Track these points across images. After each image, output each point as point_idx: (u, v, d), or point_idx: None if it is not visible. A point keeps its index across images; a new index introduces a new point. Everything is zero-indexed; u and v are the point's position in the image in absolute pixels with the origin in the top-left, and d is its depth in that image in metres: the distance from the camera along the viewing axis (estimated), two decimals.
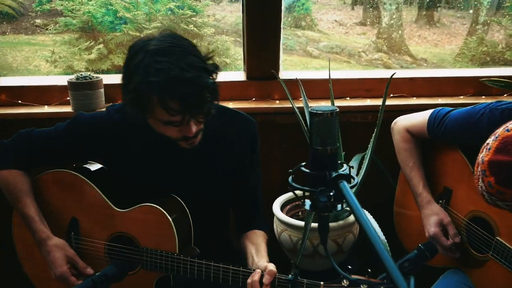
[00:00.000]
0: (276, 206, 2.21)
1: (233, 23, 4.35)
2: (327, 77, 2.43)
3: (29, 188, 1.63)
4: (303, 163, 1.12)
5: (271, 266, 1.42)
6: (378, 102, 2.36)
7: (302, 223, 2.05)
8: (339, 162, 1.07)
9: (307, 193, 1.06)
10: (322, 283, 1.36)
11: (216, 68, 1.41)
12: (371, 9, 7.37)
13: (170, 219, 1.52)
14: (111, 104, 1.66)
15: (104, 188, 1.64)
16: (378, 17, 7.35)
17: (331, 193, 1.00)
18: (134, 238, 1.59)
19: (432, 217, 1.82)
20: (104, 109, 2.22)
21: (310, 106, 2.31)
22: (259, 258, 1.56)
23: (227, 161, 1.64)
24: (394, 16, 7.20)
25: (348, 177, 0.99)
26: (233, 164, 1.65)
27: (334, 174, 0.99)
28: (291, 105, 2.36)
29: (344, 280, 1.32)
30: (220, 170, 1.64)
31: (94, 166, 1.75)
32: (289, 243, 2.10)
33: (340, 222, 2.06)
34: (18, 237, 1.74)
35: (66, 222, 1.66)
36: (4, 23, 4.24)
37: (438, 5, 7.76)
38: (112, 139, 1.58)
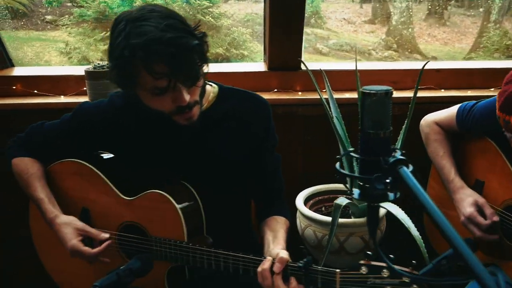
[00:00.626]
0: (300, 200, 2.12)
1: (242, 20, 4.27)
2: (351, 68, 2.36)
3: (40, 173, 1.59)
4: (351, 149, 1.03)
5: (283, 254, 1.31)
6: (405, 94, 2.27)
7: (328, 219, 1.96)
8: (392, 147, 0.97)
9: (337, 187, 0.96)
10: (338, 270, 1.26)
11: (203, 34, 1.34)
12: (380, 7, 7.28)
13: (176, 206, 1.43)
14: (115, 91, 1.57)
15: (112, 176, 1.57)
16: (387, 15, 7.26)
17: (388, 180, 0.90)
18: (142, 227, 1.51)
19: (466, 199, 1.75)
20: None
21: (336, 97, 2.23)
22: (274, 245, 1.45)
23: (241, 145, 1.54)
24: (404, 14, 7.11)
25: (407, 163, 0.90)
26: (247, 148, 1.55)
27: (391, 160, 0.90)
28: (314, 97, 2.28)
29: (384, 270, 1.23)
30: (233, 155, 1.54)
31: (107, 154, 1.68)
32: (314, 239, 2.01)
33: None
34: (35, 229, 1.69)
35: (78, 213, 1.59)
36: (15, 19, 4.19)
37: (448, 3, 7.66)
38: (116, 125, 1.52)
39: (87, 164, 1.57)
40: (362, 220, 1.96)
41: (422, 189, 0.85)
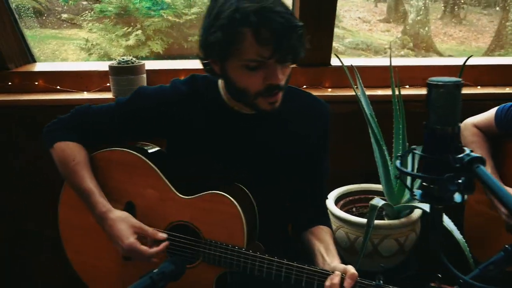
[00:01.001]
0: (330, 200, 2.03)
1: None
2: (383, 64, 2.27)
3: (87, 161, 1.46)
4: (414, 146, 0.94)
5: (352, 269, 1.24)
6: None
7: (362, 220, 1.87)
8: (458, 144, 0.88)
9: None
10: None
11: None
12: (395, 5, 7.16)
13: (240, 210, 1.35)
14: (176, 78, 1.48)
15: (165, 170, 1.46)
16: (402, 13, 7.15)
17: (460, 181, 0.82)
18: (197, 228, 1.41)
19: None
20: None
21: (369, 94, 2.14)
22: (331, 258, 1.38)
23: (300, 147, 1.46)
24: (421, 13, 6.99)
25: (484, 161, 0.81)
26: (306, 151, 1.47)
27: (466, 158, 0.81)
28: (343, 93, 2.19)
29: None
30: (291, 154, 1.46)
31: (152, 149, 1.59)
32: (346, 241, 1.92)
33: (403, 220, 1.88)
34: (63, 217, 1.56)
35: (121, 207, 1.48)
36: (32, 18, 4.15)
37: (464, 1, 7.52)
38: (177, 113, 1.42)
39: (140, 155, 1.45)
40: (397, 222, 1.87)
41: (507, 191, 0.76)
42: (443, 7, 7.32)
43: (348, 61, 2.18)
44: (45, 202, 2.27)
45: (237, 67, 1.26)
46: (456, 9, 7.33)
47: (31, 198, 2.30)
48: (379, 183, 2.11)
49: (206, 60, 1.33)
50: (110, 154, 1.49)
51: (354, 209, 2.11)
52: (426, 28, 6.94)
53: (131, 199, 1.49)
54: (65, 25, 4.27)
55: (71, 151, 1.45)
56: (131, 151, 1.47)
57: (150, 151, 1.53)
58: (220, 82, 1.41)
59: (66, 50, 4.17)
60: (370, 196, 2.13)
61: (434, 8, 7.30)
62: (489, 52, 6.42)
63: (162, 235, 1.39)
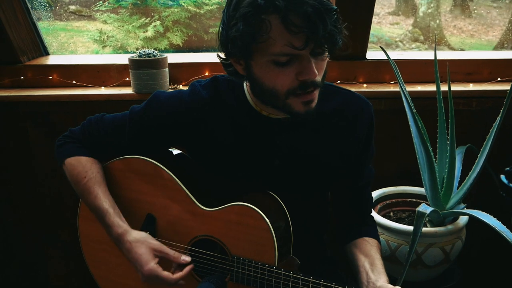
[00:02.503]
0: None
1: None
2: (421, 57, 2.07)
3: (101, 177, 1.29)
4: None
5: None
6: (482, 87, 1.98)
7: (405, 227, 1.69)
8: None
9: None
10: None
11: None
12: None
13: (270, 224, 1.17)
14: (197, 80, 1.29)
15: (186, 180, 1.28)
16: (411, 6, 6.93)
17: None
18: (223, 244, 1.24)
19: None
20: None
21: (408, 90, 1.95)
22: (376, 276, 1.21)
23: (341, 150, 1.27)
24: (432, 5, 6.78)
25: None
26: (348, 154, 1.28)
27: None
28: (380, 89, 1.99)
29: None
30: (330, 161, 1.27)
31: (172, 155, 1.41)
32: (386, 249, 1.73)
33: (449, 227, 1.69)
34: (83, 231, 1.41)
35: (141, 219, 1.32)
36: (39, 10, 3.96)
37: None
38: (198, 121, 1.22)
39: (159, 164, 1.28)
40: (443, 229, 1.69)
41: None
42: (452, 0, 7.10)
43: (378, 54, 1.99)
44: (65, 204, 2.09)
45: (263, 64, 1.05)
46: (466, 2, 7.10)
47: (49, 201, 2.12)
48: (415, 184, 1.93)
49: (227, 60, 1.13)
50: (127, 162, 1.31)
51: (391, 214, 1.92)
52: (437, 21, 6.73)
53: (151, 212, 1.31)
54: (72, 17, 4.08)
55: (82, 167, 1.28)
56: (149, 159, 1.29)
57: (170, 158, 1.36)
58: (246, 85, 1.21)
59: (75, 43, 3.98)
60: (408, 199, 1.95)
61: (443, 1, 7.08)
62: (499, 46, 6.22)
63: (186, 258, 1.21)
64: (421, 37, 6.78)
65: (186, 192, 1.26)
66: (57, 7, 4.29)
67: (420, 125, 1.72)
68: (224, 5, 1.10)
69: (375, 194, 1.91)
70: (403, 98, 1.77)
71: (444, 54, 2.09)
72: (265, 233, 1.17)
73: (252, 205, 1.19)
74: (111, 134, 1.29)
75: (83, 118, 1.99)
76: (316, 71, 1.04)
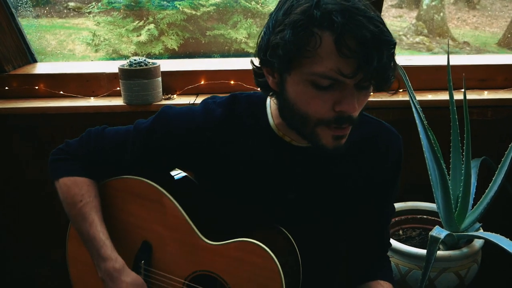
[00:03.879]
0: None
1: None
2: (432, 63, 1.90)
3: (98, 202, 1.14)
4: None
5: None
6: (498, 95, 1.82)
7: (417, 251, 1.54)
8: None
9: None
10: None
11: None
12: None
13: (278, 265, 1.02)
14: (211, 96, 1.13)
15: (190, 207, 1.14)
16: None
17: None
18: (224, 282, 1.09)
19: None
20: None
21: (418, 99, 1.79)
22: None
23: (363, 185, 1.10)
24: None
25: None
26: (371, 190, 1.12)
27: None
28: (388, 99, 1.83)
29: None
30: (352, 196, 1.11)
31: (178, 174, 1.25)
32: (396, 273, 1.58)
33: (464, 250, 1.54)
34: (73, 254, 1.26)
35: (136, 246, 1.17)
36: (37, 6, 3.81)
37: None
38: (210, 142, 1.06)
39: (160, 188, 1.13)
40: (458, 252, 1.54)
41: None
42: None
43: None
44: (57, 223, 1.95)
45: (300, 82, 0.89)
46: None
47: (36, 218, 1.98)
48: (426, 198, 1.78)
49: (261, 69, 0.97)
50: (126, 183, 1.16)
51: (400, 232, 1.77)
52: (441, 14, 6.53)
53: (148, 239, 1.17)
54: (72, 14, 3.94)
55: (78, 189, 1.12)
56: (150, 182, 1.14)
57: (173, 181, 1.20)
58: (270, 104, 1.04)
59: (74, 41, 3.84)
60: (418, 216, 1.80)
61: None
62: (505, 39, 6.02)
63: None
64: (425, 30, 6.58)
65: (188, 222, 1.11)
66: (56, 4, 4.14)
67: (432, 139, 1.56)
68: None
69: None
70: (414, 110, 1.61)
71: (456, 59, 1.92)
72: (273, 274, 1.02)
73: (260, 241, 1.04)
74: (112, 151, 1.13)
75: (71, 132, 1.85)
76: (356, 106, 0.89)
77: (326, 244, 1.17)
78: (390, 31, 0.86)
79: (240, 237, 1.06)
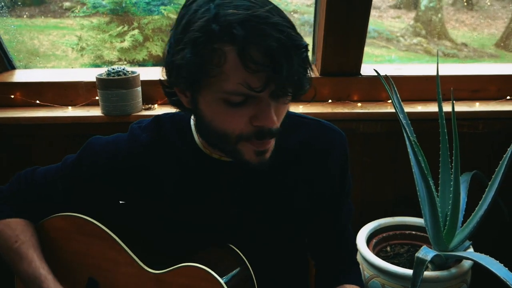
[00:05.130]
0: (362, 240, 1.62)
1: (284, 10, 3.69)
2: (422, 73, 1.82)
3: (36, 240, 1.07)
4: None
5: None
6: (490, 107, 1.74)
7: (404, 271, 1.46)
8: None
9: None
10: None
11: (306, 44, 0.84)
12: None
13: (224, 285, 0.95)
14: (137, 121, 1.07)
15: (130, 237, 1.08)
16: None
17: None
18: None
19: None
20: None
21: (407, 111, 1.71)
22: None
23: (311, 191, 1.04)
24: None
25: None
26: (319, 194, 1.05)
27: None
28: (376, 110, 1.75)
29: None
30: (299, 204, 1.05)
31: (110, 210, 1.19)
32: None
33: (453, 270, 1.47)
34: None
35: (82, 284, 1.11)
36: (32, 6, 3.72)
37: None
38: (138, 168, 1.00)
39: (95, 222, 1.07)
40: (447, 273, 1.46)
41: None
42: None
43: (374, 68, 1.74)
44: None
45: (213, 102, 0.82)
46: None
47: None
48: (415, 212, 1.70)
49: (171, 88, 0.90)
50: (62, 221, 1.10)
51: (388, 248, 1.69)
52: (439, 15, 6.44)
53: (93, 275, 1.10)
54: (67, 14, 3.86)
55: (12, 231, 1.05)
56: (84, 217, 1.08)
57: (111, 212, 1.13)
58: (193, 122, 0.98)
59: (66, 41, 3.76)
60: (406, 232, 1.72)
61: None
62: (503, 40, 5.93)
63: None
64: (423, 32, 6.49)
65: (129, 253, 1.05)
66: (51, 3, 4.05)
67: (420, 155, 1.48)
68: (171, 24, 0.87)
69: (370, 226, 1.68)
70: (401, 124, 1.53)
71: (447, 69, 1.84)
72: None
73: (206, 264, 0.97)
74: (43, 189, 1.07)
75: (48, 143, 1.79)
76: (275, 118, 0.82)
77: (284, 256, 1.11)
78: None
79: (186, 261, 1.00)
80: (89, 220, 1.07)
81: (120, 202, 1.08)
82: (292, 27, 0.80)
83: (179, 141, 0.99)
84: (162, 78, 0.91)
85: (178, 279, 1.00)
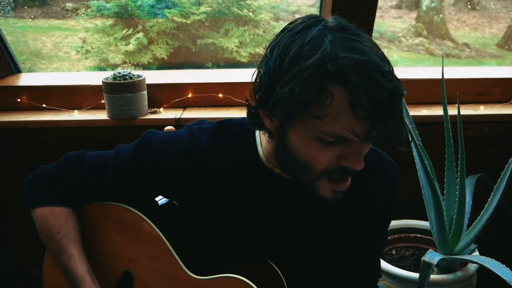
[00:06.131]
0: None
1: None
2: (427, 76, 1.82)
3: (77, 233, 1.07)
4: None
5: None
6: (494, 110, 1.74)
7: (410, 275, 1.46)
8: None
9: None
10: None
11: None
12: None
13: None
14: (196, 121, 1.05)
15: (173, 236, 1.07)
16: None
17: None
18: None
19: None
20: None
21: (412, 115, 1.71)
22: None
23: (354, 219, 1.03)
24: None
25: None
26: (365, 219, 1.04)
27: None
28: None
29: None
30: (342, 230, 1.04)
31: (162, 199, 1.18)
32: None
33: (459, 274, 1.47)
34: (50, 280, 1.18)
35: (117, 275, 1.11)
36: (35, 7, 3.72)
37: None
38: (194, 171, 0.99)
39: (142, 216, 1.06)
40: (452, 276, 1.46)
41: None
42: None
43: None
44: (34, 245, 1.88)
45: (306, 137, 0.81)
46: None
47: (16, 240, 1.91)
48: (420, 215, 1.70)
49: (256, 109, 0.88)
50: (107, 209, 1.09)
51: (394, 251, 1.70)
52: (441, 15, 6.44)
53: (129, 268, 1.10)
54: (69, 15, 3.86)
55: (56, 220, 1.05)
56: (131, 209, 1.07)
57: (156, 208, 1.13)
58: (260, 134, 0.97)
59: (69, 43, 3.76)
60: (412, 235, 1.73)
61: None
62: (505, 40, 5.93)
63: None
64: (425, 32, 6.49)
65: (172, 252, 1.05)
66: (54, 5, 4.05)
67: (425, 159, 1.48)
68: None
69: None
70: (406, 128, 1.53)
71: (451, 72, 1.85)
72: None
73: (246, 275, 0.98)
74: (91, 176, 1.06)
75: (54, 146, 1.80)
76: (363, 161, 0.83)
77: (315, 277, 1.10)
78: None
79: (225, 271, 1.00)
80: (135, 212, 1.06)
81: (169, 201, 1.08)
82: (395, 75, 0.79)
83: (241, 149, 0.97)
84: (251, 100, 0.88)
85: (218, 287, 1.00)
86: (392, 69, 0.79)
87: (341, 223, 1.02)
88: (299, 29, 0.80)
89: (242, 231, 1.02)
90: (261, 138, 0.97)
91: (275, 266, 1.02)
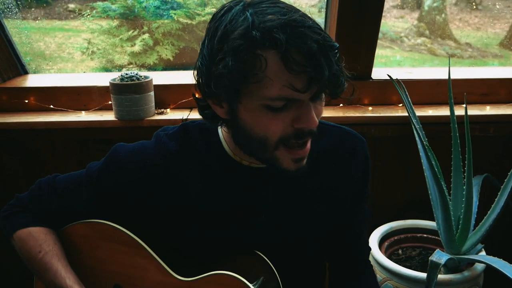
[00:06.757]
0: (374, 243, 1.63)
1: None
2: (432, 77, 1.83)
3: (59, 249, 1.06)
4: None
5: None
6: (500, 110, 1.74)
7: (417, 275, 1.47)
8: None
9: None
10: None
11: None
12: None
13: None
14: (162, 128, 1.06)
15: (157, 244, 1.08)
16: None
17: None
18: None
19: None
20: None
21: (418, 115, 1.72)
22: None
23: (334, 195, 1.06)
24: None
25: None
26: (342, 198, 1.07)
27: None
28: (387, 114, 1.75)
29: None
30: (324, 208, 1.06)
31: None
32: None
33: (466, 274, 1.48)
34: None
35: None
36: (37, 8, 3.72)
37: None
38: (166, 177, 1.00)
39: (123, 229, 1.07)
40: (459, 276, 1.47)
41: None
42: None
43: (384, 72, 1.74)
44: None
45: (255, 109, 0.84)
46: None
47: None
48: (426, 216, 1.71)
49: (205, 101, 0.91)
50: (88, 227, 1.09)
51: (400, 251, 1.70)
52: (443, 15, 6.43)
53: (118, 282, 1.10)
54: (72, 16, 3.87)
55: (35, 240, 1.05)
56: (111, 224, 1.07)
57: (136, 220, 1.13)
58: (222, 130, 0.99)
59: (72, 44, 3.77)
60: (418, 235, 1.73)
61: None
62: (507, 40, 5.92)
63: None
64: (427, 32, 6.48)
65: (157, 260, 1.06)
66: (56, 6, 4.05)
67: (432, 158, 1.49)
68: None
69: (382, 229, 1.69)
70: (413, 128, 1.54)
71: (456, 72, 1.85)
72: None
73: (235, 271, 0.98)
74: (65, 199, 1.06)
75: (62, 147, 1.81)
76: (316, 119, 0.84)
77: (305, 260, 1.14)
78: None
79: (214, 269, 1.01)
80: (115, 227, 1.07)
81: (147, 210, 1.09)
82: (323, 29, 0.83)
83: (207, 149, 0.99)
84: (196, 94, 0.92)
85: (209, 287, 1.00)
86: (317, 24, 0.82)
87: (320, 203, 1.05)
88: (222, 13, 0.84)
89: (227, 228, 1.03)
90: (223, 134, 0.99)
91: (264, 257, 1.03)
